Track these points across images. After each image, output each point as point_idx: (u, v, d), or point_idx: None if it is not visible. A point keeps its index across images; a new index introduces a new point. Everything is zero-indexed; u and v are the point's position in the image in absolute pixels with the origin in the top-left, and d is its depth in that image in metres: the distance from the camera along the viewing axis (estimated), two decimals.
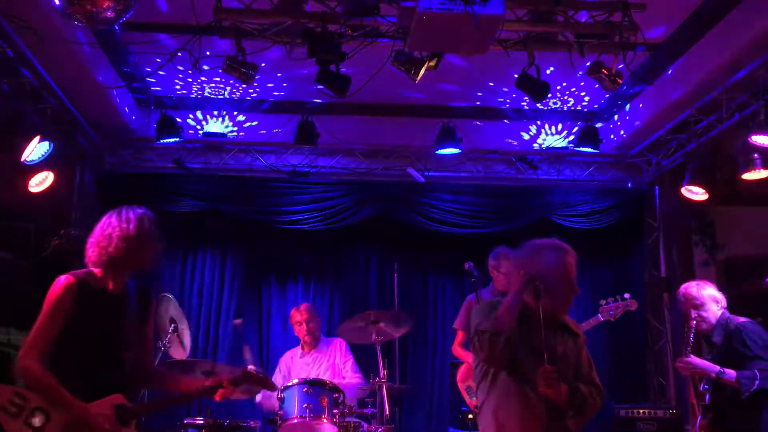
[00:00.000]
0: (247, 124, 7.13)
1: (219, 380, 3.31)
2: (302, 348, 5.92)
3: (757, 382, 4.18)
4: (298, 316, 5.86)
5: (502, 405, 3.08)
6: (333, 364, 5.76)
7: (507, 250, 5.41)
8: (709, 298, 4.50)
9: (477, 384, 3.24)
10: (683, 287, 4.64)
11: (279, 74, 6.31)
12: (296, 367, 5.82)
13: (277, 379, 5.76)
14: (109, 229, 3.20)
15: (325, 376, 5.39)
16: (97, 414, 3.02)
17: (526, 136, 7.34)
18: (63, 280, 3.14)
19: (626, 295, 5.17)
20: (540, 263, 3.12)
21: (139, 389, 3.38)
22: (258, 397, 5.57)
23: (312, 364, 5.77)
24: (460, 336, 5.57)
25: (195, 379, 3.75)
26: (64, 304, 3.08)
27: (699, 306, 4.48)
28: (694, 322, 4.46)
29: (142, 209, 3.30)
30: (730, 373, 4.27)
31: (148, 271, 3.38)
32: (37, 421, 2.97)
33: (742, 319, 4.44)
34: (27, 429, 2.94)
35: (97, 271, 3.24)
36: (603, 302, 5.22)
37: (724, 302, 4.52)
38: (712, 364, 4.37)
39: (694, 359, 4.43)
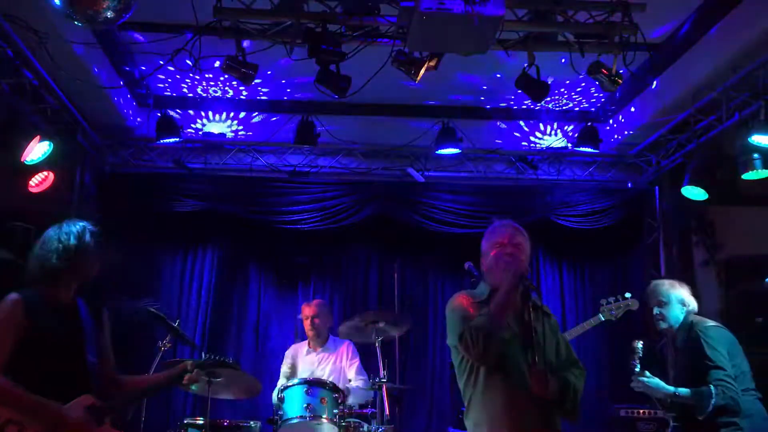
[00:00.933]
0: (247, 124, 7.13)
1: (183, 366, 3.41)
2: (308, 344, 5.89)
3: (713, 400, 3.91)
4: (307, 311, 5.84)
5: (490, 399, 3.07)
6: (339, 367, 5.71)
7: None
8: (676, 299, 4.33)
9: (463, 380, 3.20)
10: (655, 282, 4.54)
11: (279, 74, 6.31)
12: (302, 362, 5.80)
13: (284, 367, 5.79)
14: (47, 244, 3.23)
15: (329, 378, 5.38)
16: (79, 416, 3.02)
17: (526, 137, 7.34)
18: (9, 297, 3.13)
19: (627, 295, 5.16)
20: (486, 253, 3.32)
21: (110, 395, 3.36)
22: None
23: (318, 363, 5.74)
24: None
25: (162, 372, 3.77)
26: (14, 320, 3.07)
27: (663, 304, 4.33)
28: (656, 320, 4.35)
29: (83, 222, 3.34)
30: (684, 392, 4.06)
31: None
32: None
33: (710, 323, 4.25)
34: None
35: (42, 285, 3.23)
36: (604, 302, 5.22)
37: (693, 306, 4.33)
38: (664, 385, 4.15)
39: (647, 380, 4.20)
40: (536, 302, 3.25)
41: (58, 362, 3.13)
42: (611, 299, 5.19)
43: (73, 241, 3.23)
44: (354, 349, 5.83)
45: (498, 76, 6.26)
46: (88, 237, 3.28)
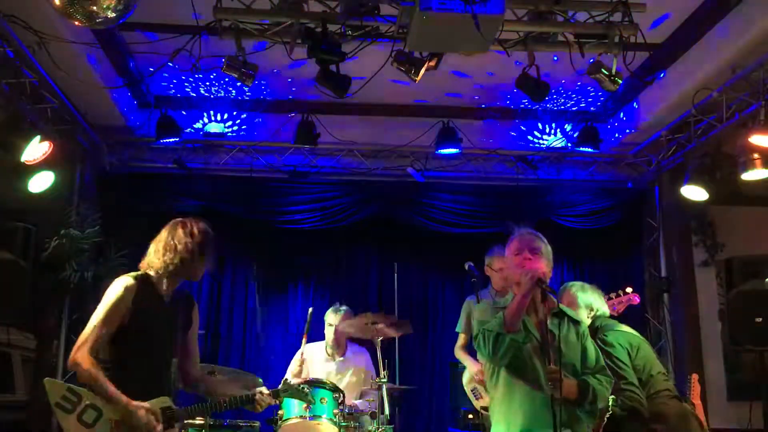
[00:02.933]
0: (247, 124, 7.13)
1: (259, 391, 3.51)
2: (326, 350, 5.73)
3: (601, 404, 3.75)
4: (332, 319, 5.65)
5: (508, 399, 3.20)
6: (359, 378, 5.62)
7: (499, 248, 5.45)
8: (584, 303, 4.28)
9: (487, 380, 3.37)
10: (566, 284, 4.50)
11: (279, 74, 6.31)
12: (318, 368, 5.64)
13: (294, 366, 5.59)
14: (174, 239, 3.36)
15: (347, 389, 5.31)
16: (144, 412, 3.13)
17: (525, 136, 7.34)
18: (122, 280, 3.29)
19: (628, 290, 5.12)
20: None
21: (192, 387, 3.57)
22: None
23: (335, 373, 5.61)
24: (461, 339, 5.57)
25: (234, 387, 3.87)
26: (123, 304, 3.22)
27: (569, 305, 4.17)
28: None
29: (204, 224, 3.47)
30: None
31: None
32: (89, 417, 3.10)
33: (615, 328, 4.18)
34: (80, 424, 3.09)
35: (153, 275, 3.38)
36: (605, 297, 5.18)
37: (602, 311, 4.31)
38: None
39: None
40: (560, 308, 3.32)
41: (147, 356, 3.26)
42: (612, 294, 5.15)
43: (197, 241, 3.37)
44: (371, 361, 5.67)
45: (498, 76, 6.27)
46: (208, 239, 3.42)
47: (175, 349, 3.45)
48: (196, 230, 3.39)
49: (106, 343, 3.19)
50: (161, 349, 3.34)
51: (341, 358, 5.70)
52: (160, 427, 3.16)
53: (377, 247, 7.58)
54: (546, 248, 3.35)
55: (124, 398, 3.11)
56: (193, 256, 3.34)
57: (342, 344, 5.72)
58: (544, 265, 3.28)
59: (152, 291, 3.34)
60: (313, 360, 5.72)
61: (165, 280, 3.38)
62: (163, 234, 3.42)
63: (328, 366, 5.66)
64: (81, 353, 3.12)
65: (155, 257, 3.37)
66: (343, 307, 5.73)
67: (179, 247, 3.34)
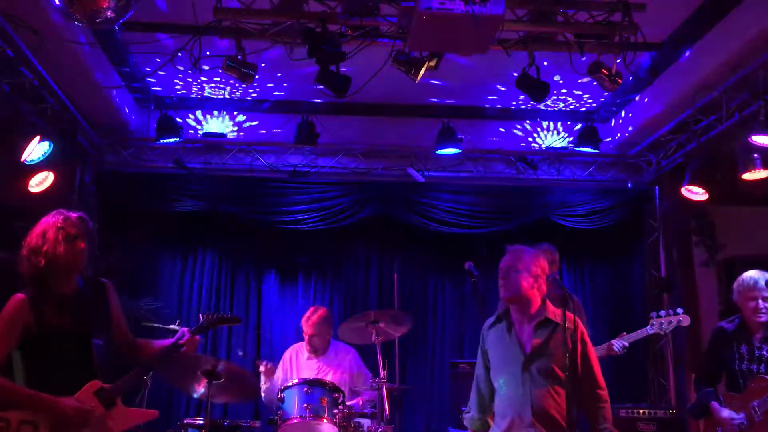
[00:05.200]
0: (247, 124, 7.13)
1: (181, 333, 3.51)
2: (308, 349, 5.74)
3: None
4: (306, 328, 5.60)
5: (497, 399, 3.39)
6: (344, 378, 5.54)
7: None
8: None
9: None
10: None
11: (279, 74, 6.31)
12: (303, 368, 5.62)
13: (279, 373, 5.67)
14: (36, 240, 3.31)
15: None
16: (76, 405, 3.14)
17: (526, 137, 7.34)
18: (14, 298, 3.23)
19: (679, 310, 5.02)
20: None
21: (135, 361, 3.54)
22: (264, 389, 5.48)
23: (319, 370, 5.56)
24: None
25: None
26: (18, 318, 3.19)
27: None
28: None
29: (56, 212, 3.38)
30: None
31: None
32: None
33: None
34: None
35: (43, 279, 3.31)
36: (654, 314, 5.06)
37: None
38: None
39: None
40: (546, 318, 3.37)
41: (64, 352, 3.25)
42: (662, 312, 5.03)
43: (46, 237, 3.29)
44: (359, 361, 5.65)
45: (498, 75, 6.27)
46: (62, 225, 3.32)
47: (92, 333, 3.38)
48: (47, 222, 3.33)
49: (17, 360, 3.19)
50: (74, 340, 3.29)
51: (323, 357, 5.65)
52: (98, 410, 3.18)
53: (377, 247, 7.58)
54: (531, 257, 3.41)
55: (45, 396, 3.10)
56: (48, 251, 3.26)
57: (322, 343, 5.66)
58: (524, 279, 3.35)
59: (47, 293, 3.28)
60: (298, 359, 5.71)
61: (53, 279, 3.30)
62: (25, 241, 3.36)
63: (309, 364, 5.63)
64: None
65: (24, 266, 3.31)
66: (320, 310, 5.66)
67: (31, 247, 3.29)
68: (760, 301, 4.19)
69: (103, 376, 3.31)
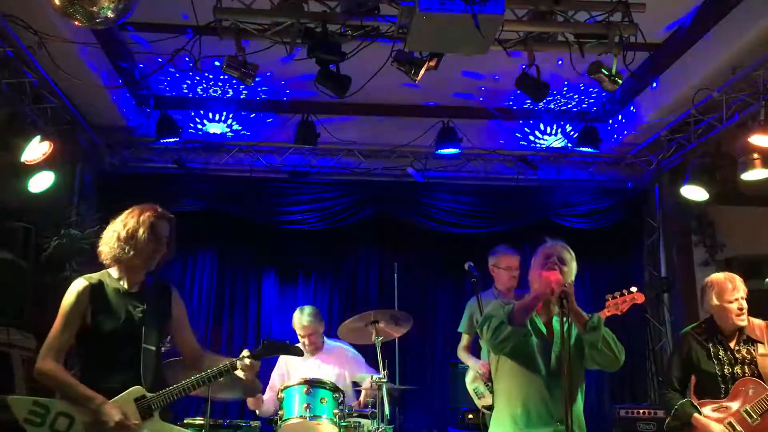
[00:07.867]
0: (247, 124, 7.13)
1: (240, 356, 3.40)
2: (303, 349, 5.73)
3: None
4: (300, 330, 5.54)
5: (511, 386, 3.39)
6: (342, 374, 5.59)
7: (505, 248, 5.45)
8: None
9: (493, 373, 3.56)
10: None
11: (279, 74, 6.31)
12: (300, 369, 5.61)
13: (275, 377, 5.67)
14: (124, 228, 3.31)
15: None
16: (115, 408, 3.09)
17: (526, 137, 7.34)
18: (75, 284, 3.25)
19: (632, 288, 5.07)
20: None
21: (173, 376, 3.47)
22: (251, 403, 5.47)
23: (319, 367, 5.54)
24: (464, 339, 5.56)
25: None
26: (77, 308, 3.20)
27: None
28: None
29: (154, 208, 3.41)
30: None
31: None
32: (61, 426, 3.08)
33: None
34: None
35: (112, 270, 3.34)
36: (609, 296, 5.12)
37: None
38: None
39: None
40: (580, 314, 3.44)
41: (114, 349, 3.22)
42: (617, 293, 5.09)
43: (142, 228, 3.30)
44: (358, 358, 5.63)
45: (498, 76, 6.27)
46: (156, 224, 3.34)
47: (150, 338, 3.30)
48: (142, 216, 3.33)
49: (73, 348, 3.19)
50: (128, 341, 3.23)
51: (320, 354, 5.62)
52: (133, 419, 3.13)
53: (377, 247, 7.58)
54: (572, 260, 3.56)
55: (97, 396, 3.08)
56: (138, 243, 3.26)
57: (317, 340, 5.62)
58: (565, 273, 3.45)
59: (111, 286, 3.28)
60: (294, 361, 5.65)
61: (123, 272, 3.32)
62: (109, 227, 3.36)
63: (306, 364, 5.62)
64: (45, 362, 3.12)
65: (106, 247, 3.30)
66: (306, 308, 5.59)
67: (124, 235, 3.27)
68: (742, 302, 4.16)
69: (149, 384, 3.25)
